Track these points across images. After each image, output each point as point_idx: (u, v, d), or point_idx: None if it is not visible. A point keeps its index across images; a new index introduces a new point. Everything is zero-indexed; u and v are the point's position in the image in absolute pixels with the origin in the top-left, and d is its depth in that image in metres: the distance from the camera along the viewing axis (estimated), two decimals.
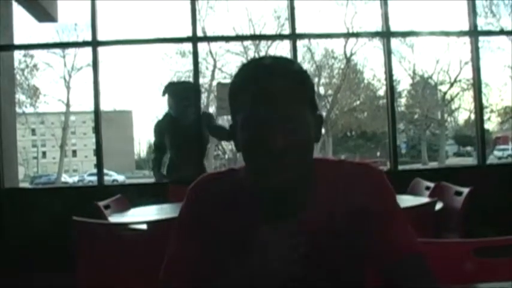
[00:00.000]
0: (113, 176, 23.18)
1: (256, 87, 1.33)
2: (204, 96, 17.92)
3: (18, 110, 20.05)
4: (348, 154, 26.85)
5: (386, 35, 6.35)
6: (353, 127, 26.33)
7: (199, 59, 7.65)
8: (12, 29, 6.59)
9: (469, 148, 27.27)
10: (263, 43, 22.21)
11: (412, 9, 22.96)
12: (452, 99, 25.28)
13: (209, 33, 20.28)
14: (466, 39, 7.45)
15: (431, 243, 1.76)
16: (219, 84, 8.63)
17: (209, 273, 1.40)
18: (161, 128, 5.59)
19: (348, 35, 23.84)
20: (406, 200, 3.65)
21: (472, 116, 21.11)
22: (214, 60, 22.19)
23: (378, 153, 26.23)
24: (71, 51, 23.47)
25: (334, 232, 1.38)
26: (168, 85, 5.80)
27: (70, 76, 24.11)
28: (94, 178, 7.91)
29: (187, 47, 18.01)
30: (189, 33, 6.14)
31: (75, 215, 2.89)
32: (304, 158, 1.35)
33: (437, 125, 26.37)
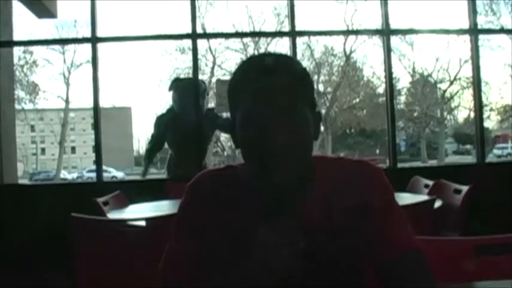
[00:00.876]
0: (112, 173, 23.14)
1: (255, 85, 1.33)
2: None
3: (17, 106, 20.03)
4: (347, 151, 26.85)
5: (386, 33, 6.35)
6: (352, 124, 26.30)
7: (199, 56, 7.64)
8: (11, 26, 6.58)
9: (468, 146, 27.23)
10: (263, 40, 22.19)
11: (411, 7, 22.91)
12: (451, 97, 25.24)
13: (209, 30, 20.28)
14: (466, 37, 7.43)
15: (431, 241, 1.76)
16: (218, 81, 8.64)
17: (207, 269, 1.40)
18: (162, 122, 5.58)
19: (347, 33, 23.77)
20: (405, 198, 3.66)
21: (472, 114, 21.14)
22: (214, 57, 22.16)
23: (377, 151, 26.24)
24: (70, 47, 23.39)
25: (333, 229, 1.38)
26: (174, 80, 5.82)
27: (69, 72, 24.01)
28: (93, 175, 7.91)
29: (187, 43, 18.01)
30: (189, 30, 6.14)
31: (74, 212, 2.89)
32: (303, 156, 1.35)
33: (437, 123, 26.33)
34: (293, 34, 6.31)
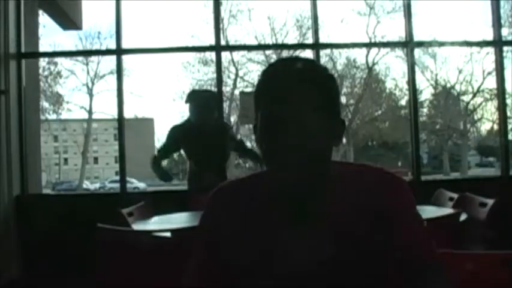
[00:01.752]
0: (134, 183, 23.22)
1: (275, 88, 1.36)
2: (225, 105, 18.00)
3: (41, 116, 20.23)
4: (369, 164, 26.69)
5: (410, 45, 6.33)
6: (374, 137, 26.21)
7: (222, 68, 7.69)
8: (37, 37, 6.67)
9: (491, 159, 26.96)
10: (285, 52, 22.20)
11: (434, 19, 22.79)
12: (474, 109, 25.03)
13: (231, 42, 20.34)
14: (489, 49, 7.40)
15: (458, 255, 1.74)
16: (242, 93, 8.69)
17: (231, 279, 1.41)
18: (177, 133, 5.58)
19: (370, 45, 23.71)
20: (430, 211, 3.63)
21: (495, 127, 20.94)
22: (236, 69, 22.19)
23: (399, 163, 26.08)
24: (94, 58, 23.56)
25: (354, 234, 1.38)
26: (190, 93, 5.84)
27: (93, 83, 24.20)
28: (115, 185, 7.96)
29: (210, 55, 18.08)
30: (212, 42, 6.17)
31: (98, 222, 2.90)
32: (315, 159, 1.35)
33: (460, 135, 26.12)
34: (316, 46, 6.33)
